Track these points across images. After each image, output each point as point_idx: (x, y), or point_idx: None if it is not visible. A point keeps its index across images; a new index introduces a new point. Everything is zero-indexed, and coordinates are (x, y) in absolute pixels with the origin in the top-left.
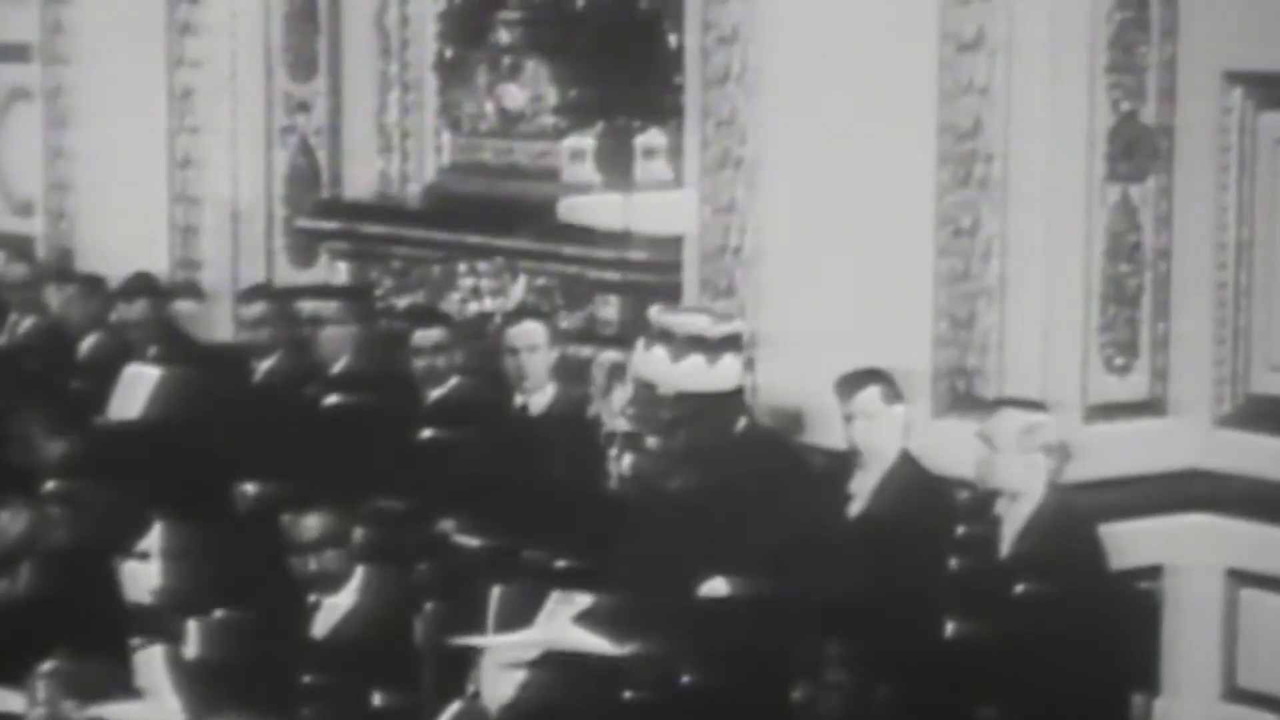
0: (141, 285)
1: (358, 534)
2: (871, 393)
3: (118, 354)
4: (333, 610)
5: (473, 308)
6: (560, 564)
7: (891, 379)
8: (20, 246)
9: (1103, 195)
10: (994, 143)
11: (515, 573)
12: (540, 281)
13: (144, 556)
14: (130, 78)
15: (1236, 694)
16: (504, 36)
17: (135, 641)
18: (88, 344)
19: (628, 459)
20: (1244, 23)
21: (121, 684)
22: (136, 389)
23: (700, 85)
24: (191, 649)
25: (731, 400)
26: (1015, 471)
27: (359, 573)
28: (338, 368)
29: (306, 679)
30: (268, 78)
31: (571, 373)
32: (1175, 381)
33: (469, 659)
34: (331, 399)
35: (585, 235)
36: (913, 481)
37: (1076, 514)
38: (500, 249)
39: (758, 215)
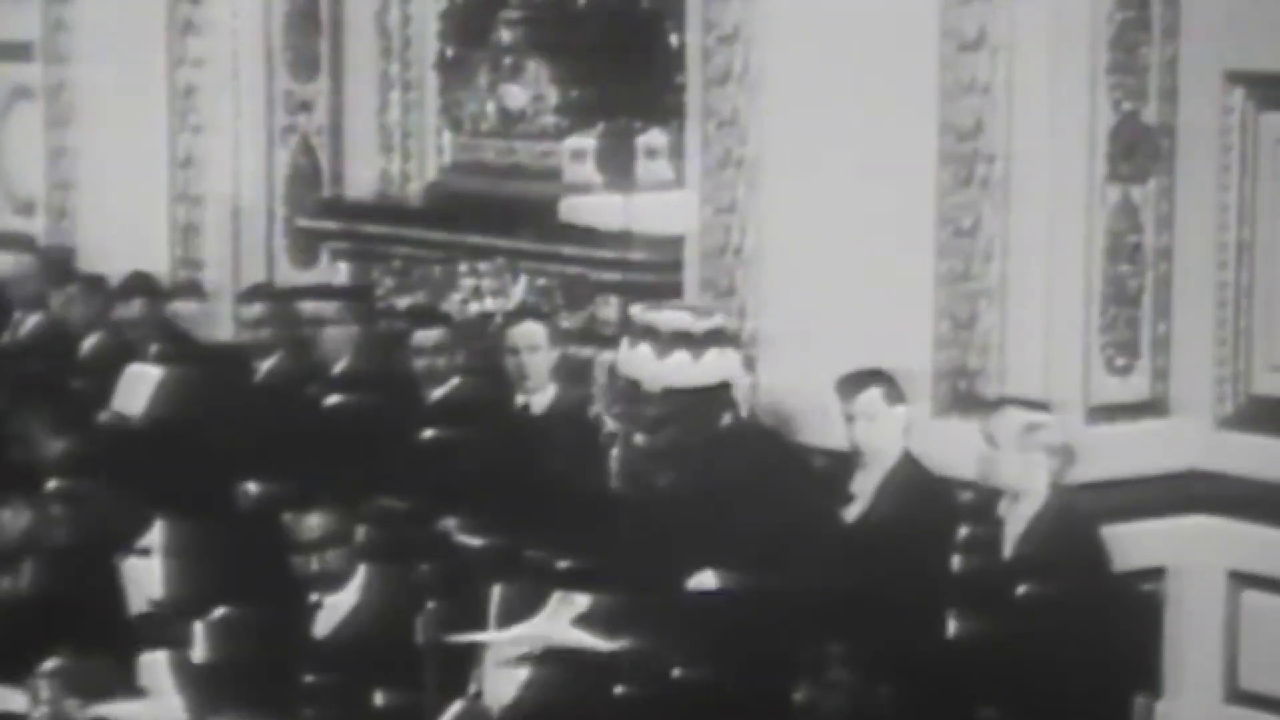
0: (137, 284)
1: (359, 533)
2: (873, 393)
3: (119, 353)
4: (334, 609)
5: (474, 308)
6: (561, 564)
7: (893, 380)
8: (23, 245)
9: (1104, 195)
10: (995, 143)
11: (517, 572)
12: (541, 281)
13: (145, 554)
14: (132, 77)
15: (1238, 695)
16: (505, 36)
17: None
18: (89, 343)
19: (615, 455)
20: (1245, 23)
21: (124, 683)
22: (138, 388)
23: (701, 85)
24: (197, 653)
25: (717, 394)
26: (1016, 470)
27: (361, 572)
28: (339, 367)
29: (308, 678)
30: (269, 77)
31: (572, 373)
32: (1176, 382)
33: (471, 658)
34: (333, 399)
35: (586, 235)
36: (915, 482)
37: (1079, 515)
38: (501, 249)
39: (759, 215)
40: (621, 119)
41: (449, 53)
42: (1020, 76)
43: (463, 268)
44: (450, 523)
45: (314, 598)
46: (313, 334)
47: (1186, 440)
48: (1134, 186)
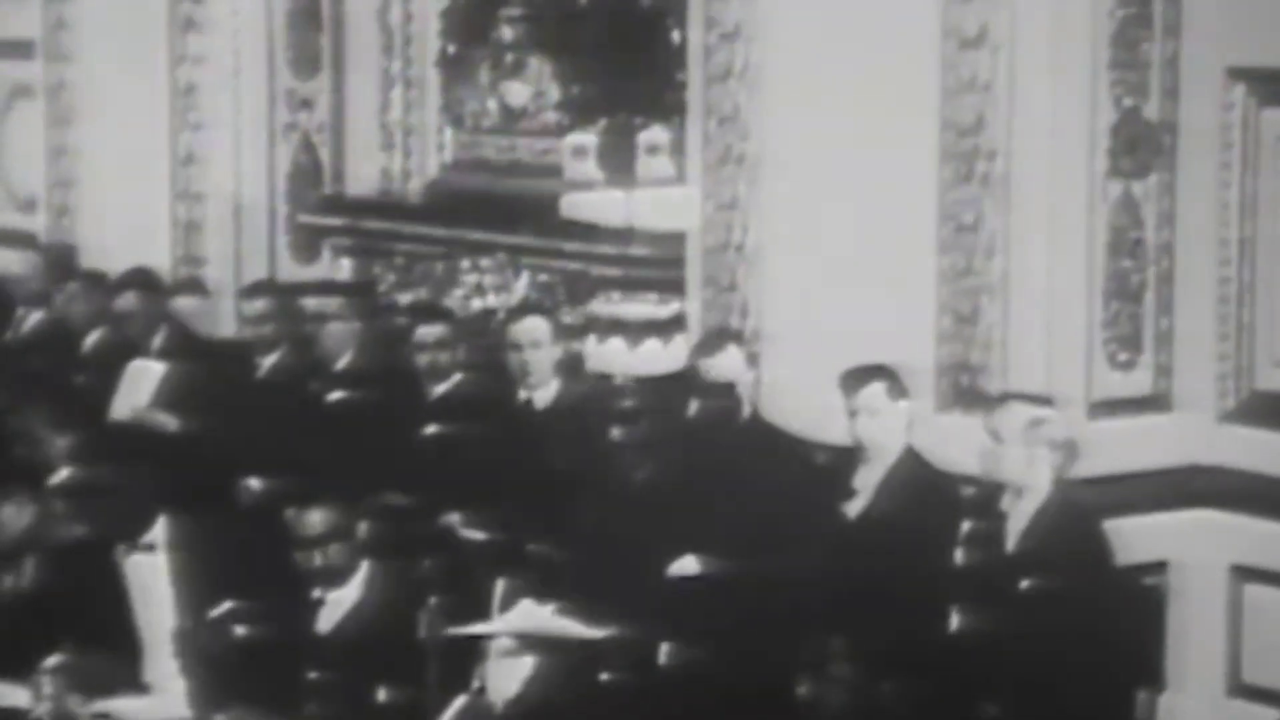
0: (132, 279)
1: (362, 529)
2: (876, 388)
3: (122, 349)
4: (337, 605)
5: (476, 304)
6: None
7: (896, 375)
8: (25, 242)
9: (1105, 191)
10: (996, 139)
11: (519, 567)
12: (543, 277)
13: (149, 550)
14: (133, 74)
15: (1241, 689)
16: (506, 33)
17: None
18: (91, 340)
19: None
20: (1247, 19)
21: (126, 679)
22: (141, 384)
23: (702, 82)
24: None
25: (685, 378)
26: (1019, 465)
27: (363, 567)
28: (341, 364)
29: (311, 674)
30: (270, 74)
31: (575, 368)
32: (1179, 377)
33: (474, 654)
34: (335, 395)
35: (587, 231)
36: (917, 477)
37: (1081, 510)
38: (503, 245)
39: (760, 212)
40: (623, 115)
41: (450, 50)
42: (1021, 73)
43: (465, 264)
44: (453, 518)
45: (316, 593)
46: (315, 330)
47: (1189, 435)
48: (1135, 182)
